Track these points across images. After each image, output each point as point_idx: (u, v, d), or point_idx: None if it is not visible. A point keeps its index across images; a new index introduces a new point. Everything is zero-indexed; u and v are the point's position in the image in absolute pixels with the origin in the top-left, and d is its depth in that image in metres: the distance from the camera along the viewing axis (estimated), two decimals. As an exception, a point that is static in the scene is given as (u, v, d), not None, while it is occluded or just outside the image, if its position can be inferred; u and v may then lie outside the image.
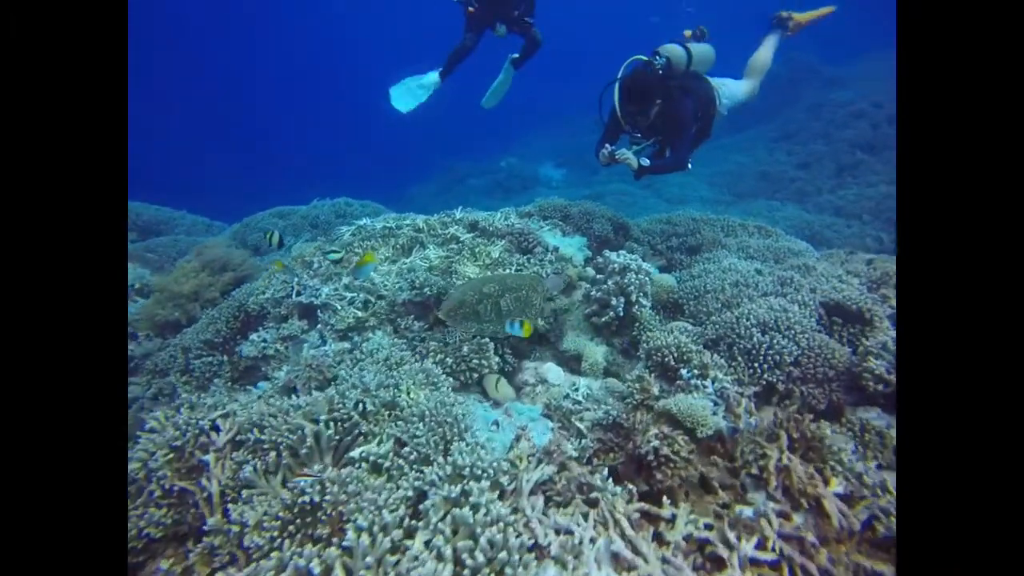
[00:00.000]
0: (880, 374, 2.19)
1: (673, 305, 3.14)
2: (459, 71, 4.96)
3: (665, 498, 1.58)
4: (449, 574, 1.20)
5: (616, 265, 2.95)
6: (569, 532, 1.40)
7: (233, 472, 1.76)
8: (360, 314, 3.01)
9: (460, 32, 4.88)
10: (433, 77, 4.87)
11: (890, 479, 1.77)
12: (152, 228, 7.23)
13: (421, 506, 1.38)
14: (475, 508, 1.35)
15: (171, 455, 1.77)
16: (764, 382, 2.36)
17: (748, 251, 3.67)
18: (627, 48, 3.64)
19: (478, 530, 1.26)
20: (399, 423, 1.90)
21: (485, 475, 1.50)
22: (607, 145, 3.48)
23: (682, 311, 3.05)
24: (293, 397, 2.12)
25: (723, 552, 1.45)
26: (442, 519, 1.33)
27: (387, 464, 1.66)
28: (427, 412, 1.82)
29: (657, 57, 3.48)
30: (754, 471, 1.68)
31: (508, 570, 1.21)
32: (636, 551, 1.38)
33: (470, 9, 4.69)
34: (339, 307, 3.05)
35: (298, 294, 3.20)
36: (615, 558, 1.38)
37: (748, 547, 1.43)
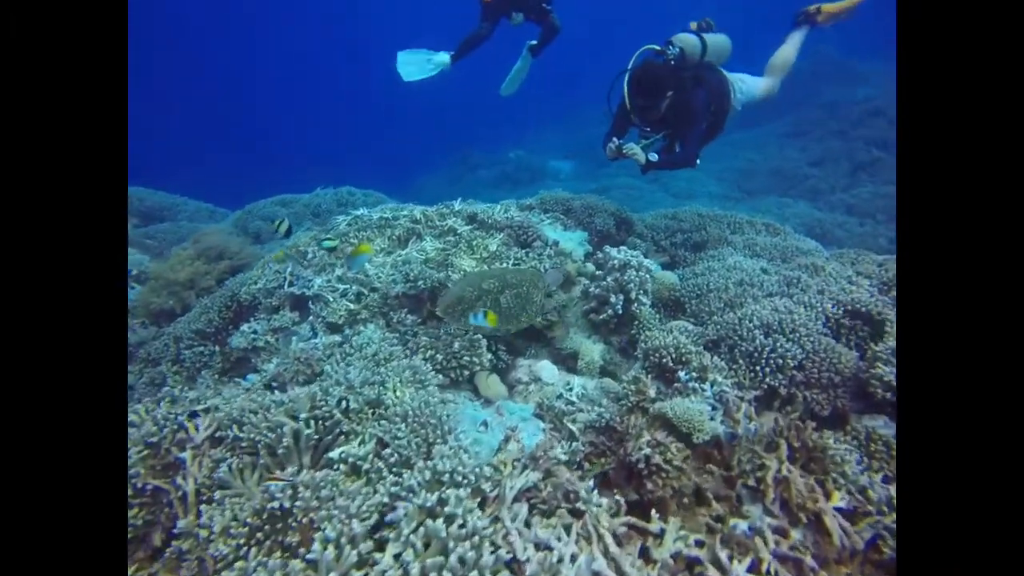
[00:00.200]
0: (889, 381, 2.08)
1: (674, 303, 3.04)
2: (472, 59, 4.88)
3: (654, 511, 1.49)
4: (416, 594, 1.13)
5: (616, 261, 2.85)
6: (549, 548, 1.33)
7: (210, 470, 1.70)
8: (352, 306, 2.95)
9: (475, 21, 4.79)
10: (444, 57, 4.77)
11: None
12: (155, 214, 7.21)
13: (392, 515, 1.32)
14: (450, 519, 1.27)
15: (146, 452, 1.72)
16: (766, 386, 2.26)
17: (754, 249, 3.55)
18: (645, 37, 3.50)
19: (450, 544, 1.19)
20: (382, 423, 1.84)
21: (466, 481, 1.43)
22: (614, 138, 3.35)
23: (683, 310, 2.95)
24: (276, 392, 2.06)
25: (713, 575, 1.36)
26: (415, 530, 1.26)
27: (366, 466, 1.60)
28: (410, 412, 1.75)
29: (670, 47, 3.33)
30: (751, 482, 1.60)
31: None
32: (619, 571, 1.30)
33: None
34: (331, 299, 2.98)
35: (290, 284, 3.13)
36: (597, 577, 1.30)
37: (741, 569, 1.35)
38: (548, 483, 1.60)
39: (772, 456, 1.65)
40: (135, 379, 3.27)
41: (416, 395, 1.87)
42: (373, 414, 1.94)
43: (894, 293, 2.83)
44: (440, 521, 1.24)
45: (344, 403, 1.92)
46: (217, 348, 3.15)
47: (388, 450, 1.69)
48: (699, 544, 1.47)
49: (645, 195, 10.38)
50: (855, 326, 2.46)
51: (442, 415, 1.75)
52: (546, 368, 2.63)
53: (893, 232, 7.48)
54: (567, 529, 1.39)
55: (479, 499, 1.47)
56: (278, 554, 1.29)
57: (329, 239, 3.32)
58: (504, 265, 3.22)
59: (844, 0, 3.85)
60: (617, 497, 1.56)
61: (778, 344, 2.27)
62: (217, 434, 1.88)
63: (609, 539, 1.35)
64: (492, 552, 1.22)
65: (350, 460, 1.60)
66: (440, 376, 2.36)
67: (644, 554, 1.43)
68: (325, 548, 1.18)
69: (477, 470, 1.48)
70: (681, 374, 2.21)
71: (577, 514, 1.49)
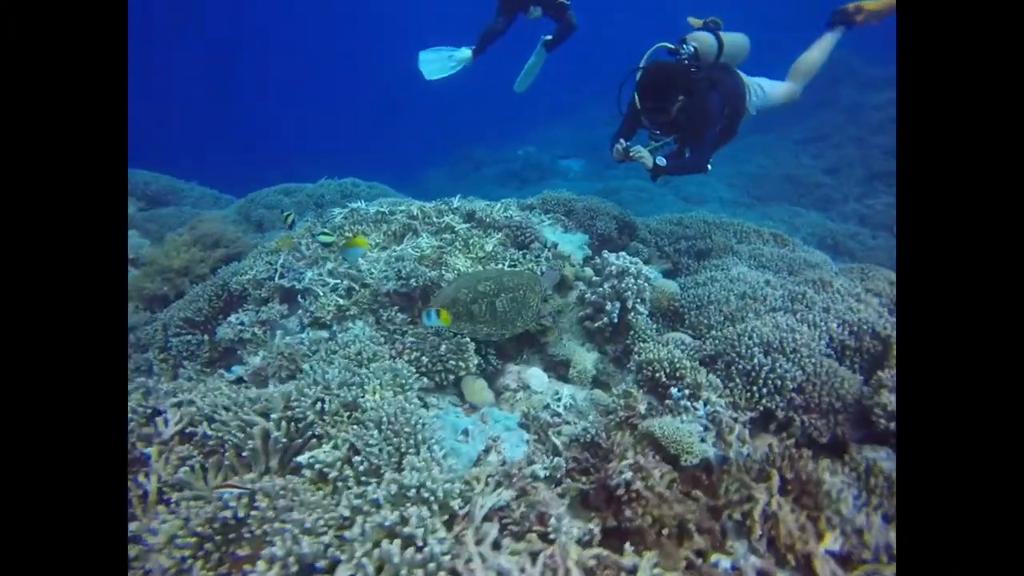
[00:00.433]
0: (893, 411, 1.97)
1: (673, 314, 2.94)
2: (484, 54, 4.84)
3: (628, 544, 1.39)
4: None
5: (614, 268, 2.76)
6: (512, 579, 1.25)
7: (175, 469, 1.64)
8: (342, 302, 2.88)
9: (487, 14, 4.73)
10: (466, 53, 4.77)
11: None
12: (160, 198, 7.20)
13: (348, 533, 1.24)
14: (408, 541, 1.20)
15: (111, 445, 1.66)
16: (762, 408, 2.16)
17: (760, 260, 3.43)
18: (663, 33, 3.36)
19: (403, 572, 1.11)
20: (358, 427, 1.76)
21: (433, 498, 1.36)
22: (621, 140, 3.23)
23: (683, 321, 2.85)
24: (252, 389, 1.99)
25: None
26: (368, 552, 1.18)
27: (334, 474, 1.52)
28: (384, 418, 1.68)
29: (684, 46, 3.19)
30: (738, 515, 1.50)
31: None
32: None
33: None
34: (321, 293, 2.92)
35: (281, 276, 3.07)
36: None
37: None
38: (522, 502, 1.52)
39: (762, 487, 1.55)
40: (123, 365, 3.24)
41: (393, 400, 1.79)
42: (349, 417, 1.87)
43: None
44: (397, 543, 1.17)
45: (320, 404, 1.85)
46: (206, 337, 3.09)
47: (359, 457, 1.61)
48: (676, 580, 1.38)
49: (655, 198, 10.23)
50: (861, 348, 2.35)
51: (417, 423, 1.68)
52: (535, 376, 2.55)
53: (907, 247, 7.27)
54: (534, 558, 1.31)
55: (447, 517, 1.40)
56: (224, 568, 1.22)
57: (325, 232, 3.26)
58: (500, 266, 3.13)
59: None
60: (590, 526, 1.47)
61: (777, 364, 2.16)
62: (188, 430, 1.82)
63: (576, 574, 1.26)
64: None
65: (317, 467, 1.53)
66: (424, 379, 2.29)
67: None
68: (269, 568, 1.11)
69: (447, 485, 1.41)
70: (673, 391, 2.12)
71: (548, 540, 1.40)
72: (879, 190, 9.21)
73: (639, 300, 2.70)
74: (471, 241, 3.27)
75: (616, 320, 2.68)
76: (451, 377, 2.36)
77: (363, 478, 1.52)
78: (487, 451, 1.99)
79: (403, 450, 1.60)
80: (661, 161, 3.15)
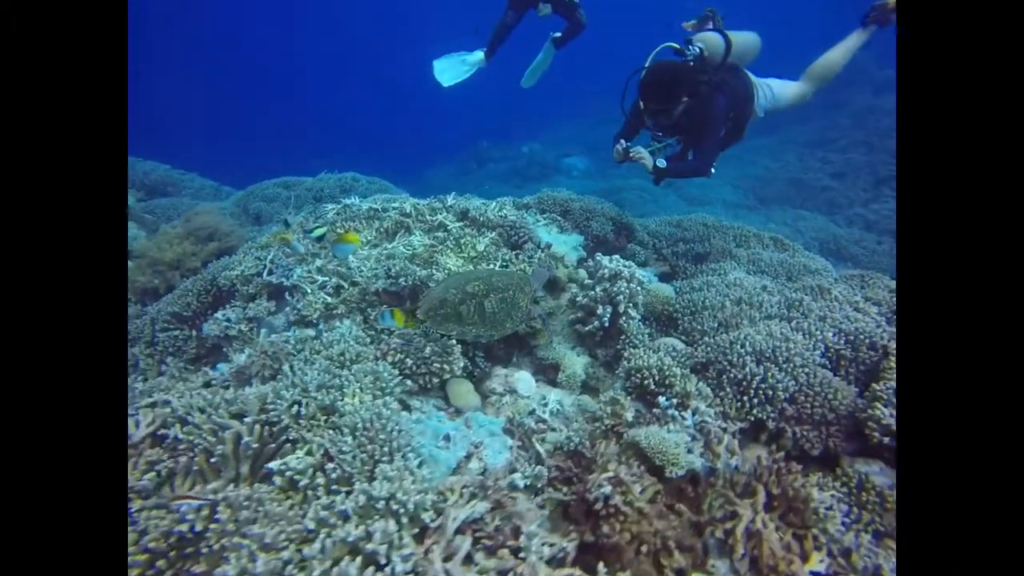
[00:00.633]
0: (887, 424, 1.91)
1: (668, 318, 2.88)
2: (497, 52, 4.88)
3: (602, 564, 1.33)
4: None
5: (606, 271, 2.70)
6: (478, 599, 1.20)
7: (142, 474, 1.60)
8: (330, 300, 2.84)
9: (497, 11, 4.73)
10: (478, 55, 4.84)
11: (887, 556, 1.52)
12: (159, 189, 7.18)
13: (307, 550, 1.20)
14: (369, 560, 1.15)
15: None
16: (753, 418, 2.10)
17: (759, 265, 3.37)
18: (673, 35, 3.27)
19: (361, 592, 1.07)
20: (333, 432, 1.72)
21: (403, 510, 1.31)
22: (622, 140, 3.15)
23: (676, 326, 2.79)
24: (231, 390, 1.95)
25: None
26: (327, 572, 1.14)
27: (304, 482, 1.48)
28: (359, 424, 1.63)
29: (690, 47, 3.09)
30: (719, 534, 1.45)
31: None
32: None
33: None
34: (309, 291, 2.87)
35: (269, 273, 3.03)
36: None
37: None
38: (497, 515, 1.47)
39: (747, 503, 1.50)
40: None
41: (370, 405, 1.74)
42: (326, 421, 1.82)
43: (903, 324, 2.64)
44: (358, 561, 1.12)
45: (297, 407, 1.80)
46: (194, 333, 3.06)
47: (332, 464, 1.57)
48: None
49: (658, 198, 10.13)
50: (857, 359, 2.28)
51: (392, 430, 1.63)
52: (523, 380, 2.49)
53: (912, 252, 7.15)
54: (503, 576, 1.26)
55: (417, 530, 1.35)
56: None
57: (318, 227, 3.21)
58: (492, 266, 3.08)
59: None
60: (564, 543, 1.42)
61: (769, 374, 2.10)
62: (160, 432, 1.78)
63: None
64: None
65: (288, 474, 1.48)
66: (408, 382, 2.24)
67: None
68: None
69: (418, 497, 1.36)
70: (661, 399, 2.06)
71: (519, 556, 1.35)
72: (886, 195, 9.08)
73: (631, 304, 2.64)
74: (463, 240, 3.22)
75: (607, 324, 2.63)
76: (435, 380, 2.31)
77: (334, 487, 1.47)
78: (468, 457, 1.94)
79: (377, 458, 1.56)
80: (661, 163, 3.07)
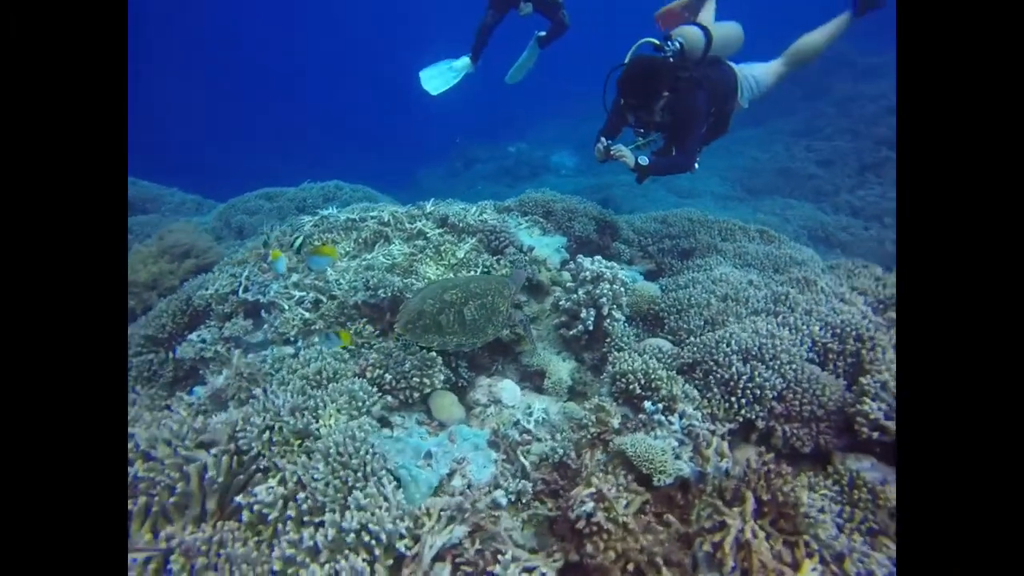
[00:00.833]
0: (876, 419, 1.86)
1: (654, 318, 2.82)
2: (483, 54, 4.87)
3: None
4: None
5: (588, 273, 2.64)
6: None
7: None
8: (308, 315, 2.76)
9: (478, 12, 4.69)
10: (464, 61, 4.84)
11: (880, 557, 1.47)
12: (137, 205, 7.04)
13: (268, 594, 1.14)
14: (335, 600, 1.09)
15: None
16: (741, 418, 2.05)
17: (745, 258, 3.32)
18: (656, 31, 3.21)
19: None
20: (306, 457, 1.65)
21: (375, 542, 1.24)
22: (603, 139, 3.09)
23: (663, 326, 2.73)
24: (199, 418, 1.88)
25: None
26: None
27: (274, 515, 1.41)
28: (331, 449, 1.56)
29: (669, 42, 3.03)
30: (708, 547, 1.40)
31: None
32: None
33: None
34: (286, 307, 2.80)
35: (245, 290, 2.95)
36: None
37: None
38: (477, 538, 1.41)
39: (735, 512, 1.45)
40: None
41: (343, 427, 1.68)
42: (300, 446, 1.75)
43: (891, 313, 2.61)
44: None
45: (268, 433, 1.73)
46: (170, 356, 2.97)
47: (303, 494, 1.50)
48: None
49: (647, 192, 10.11)
50: (844, 351, 2.24)
51: (367, 453, 1.56)
52: (507, 389, 2.43)
53: (900, 237, 7.17)
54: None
55: (391, 561, 1.29)
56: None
57: (296, 238, 3.13)
58: (472, 273, 3.02)
59: None
60: (544, 569, 1.36)
61: (756, 372, 2.05)
62: (125, 466, 1.70)
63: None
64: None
65: (256, 508, 1.41)
66: (388, 398, 2.17)
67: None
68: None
69: (390, 526, 1.29)
70: (647, 404, 2.01)
71: (499, 583, 1.30)
72: (871, 181, 9.10)
73: (615, 306, 2.59)
74: (443, 247, 3.16)
75: (592, 327, 2.57)
76: (416, 395, 2.24)
77: (306, 518, 1.41)
78: (451, 475, 1.88)
79: (351, 484, 1.49)
80: (643, 160, 3.01)
